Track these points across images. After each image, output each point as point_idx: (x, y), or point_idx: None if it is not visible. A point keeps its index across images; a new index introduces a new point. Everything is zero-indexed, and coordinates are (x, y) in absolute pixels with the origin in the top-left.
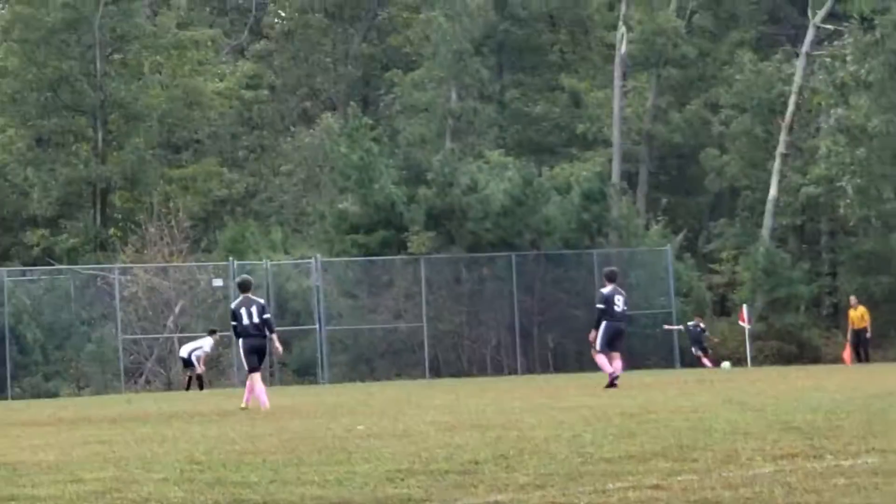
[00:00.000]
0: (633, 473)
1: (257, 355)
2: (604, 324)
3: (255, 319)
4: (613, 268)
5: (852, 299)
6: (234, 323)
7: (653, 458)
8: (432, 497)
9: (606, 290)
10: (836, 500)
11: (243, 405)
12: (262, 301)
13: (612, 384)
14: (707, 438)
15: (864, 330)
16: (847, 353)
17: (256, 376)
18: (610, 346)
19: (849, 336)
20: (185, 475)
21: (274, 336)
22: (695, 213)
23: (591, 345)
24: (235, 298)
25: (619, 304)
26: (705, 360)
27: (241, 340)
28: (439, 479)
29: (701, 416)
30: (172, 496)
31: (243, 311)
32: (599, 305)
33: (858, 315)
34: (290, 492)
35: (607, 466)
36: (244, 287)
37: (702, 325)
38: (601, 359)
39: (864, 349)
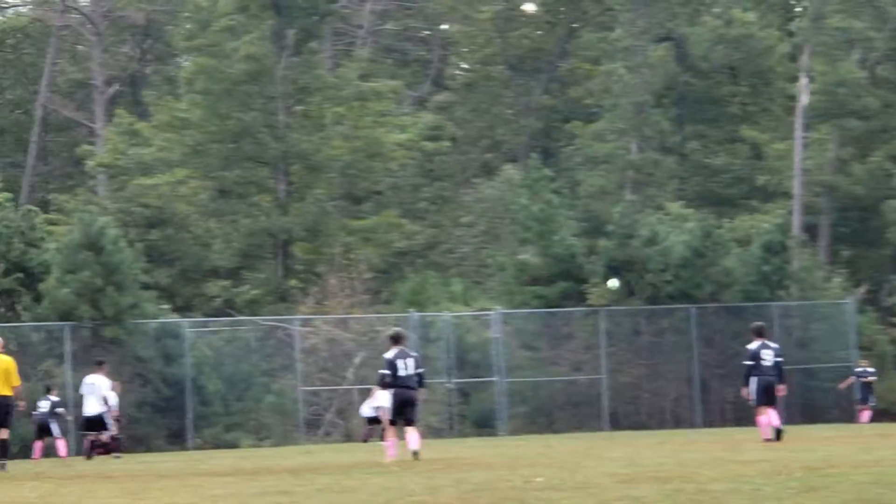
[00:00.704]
0: None
1: (407, 407)
2: (754, 379)
3: (411, 371)
4: (760, 323)
5: None
6: (387, 372)
7: None
8: None
9: (754, 345)
10: None
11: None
12: (416, 354)
13: (777, 437)
14: (891, 493)
15: None
16: None
17: (392, 429)
18: (764, 401)
19: None
20: None
21: (423, 390)
22: (877, 265)
23: (748, 401)
24: (389, 350)
25: (768, 358)
26: (863, 413)
27: (392, 391)
28: None
29: (883, 470)
30: None
31: (399, 362)
32: (747, 362)
33: None
34: None
35: None
36: (398, 339)
37: (869, 369)
38: (761, 417)
39: None
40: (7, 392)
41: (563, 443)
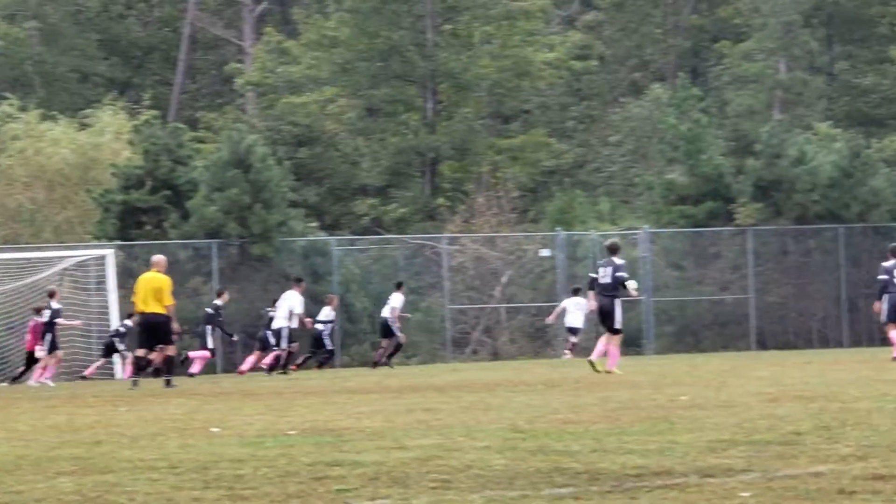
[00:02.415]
0: None
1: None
2: (886, 296)
3: (608, 280)
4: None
5: None
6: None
7: None
8: (753, 467)
9: (888, 263)
10: None
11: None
12: (620, 262)
13: None
14: None
15: None
16: None
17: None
18: (895, 317)
19: None
20: (507, 443)
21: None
22: None
23: (877, 316)
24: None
25: None
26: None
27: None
28: (761, 450)
29: None
30: (495, 464)
31: (601, 270)
32: (881, 277)
33: None
34: (612, 461)
35: None
36: (613, 250)
37: None
38: (892, 332)
39: None
40: (158, 310)
41: (709, 362)
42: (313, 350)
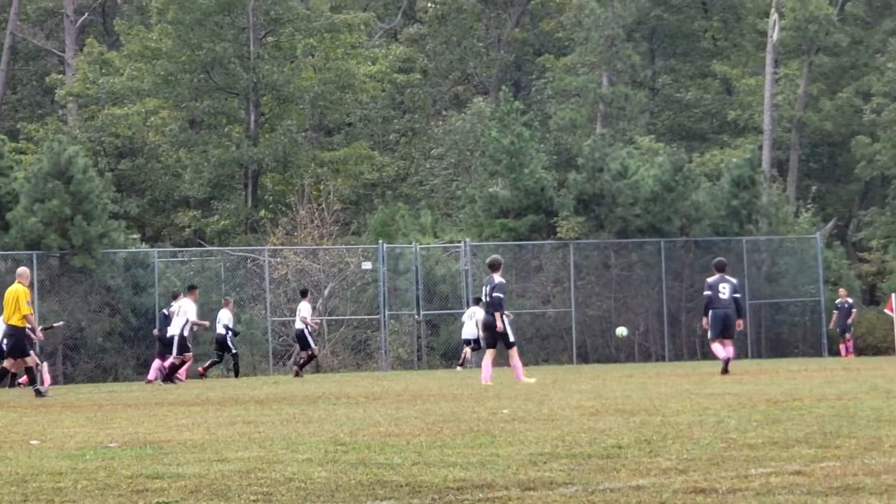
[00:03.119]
0: (775, 459)
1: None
2: (711, 311)
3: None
4: (721, 258)
5: None
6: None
7: (796, 444)
8: (574, 480)
9: (712, 278)
10: None
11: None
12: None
13: (725, 370)
14: (851, 426)
15: None
16: None
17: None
18: (721, 333)
19: None
20: (329, 456)
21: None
22: (845, 201)
23: (705, 330)
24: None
25: (725, 292)
26: (845, 344)
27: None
28: (582, 463)
29: (845, 404)
30: (316, 476)
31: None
32: (706, 293)
33: None
34: (434, 474)
35: (750, 452)
36: (492, 267)
37: (849, 300)
38: (715, 346)
39: None
40: (14, 321)
41: (531, 375)
42: (220, 354)
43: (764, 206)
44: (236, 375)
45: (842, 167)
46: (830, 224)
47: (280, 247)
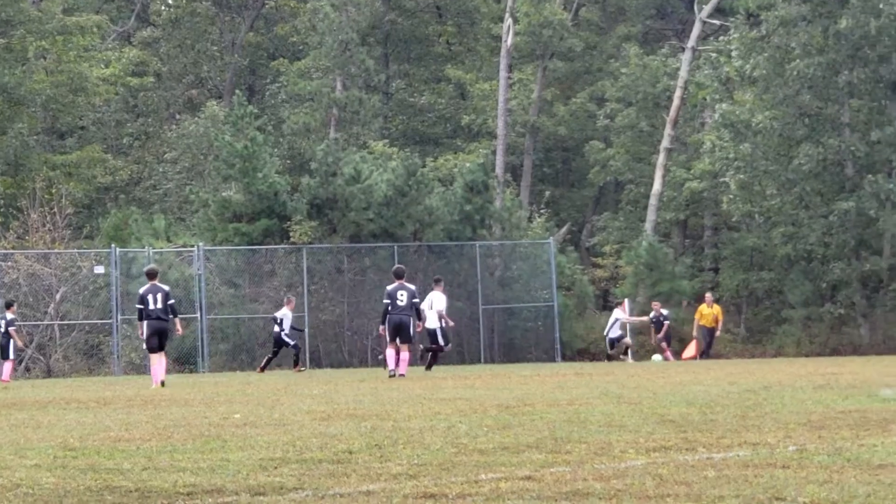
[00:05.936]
0: (506, 464)
1: (158, 338)
2: (388, 318)
3: (160, 305)
4: (401, 266)
5: (707, 296)
6: (140, 307)
7: (527, 449)
8: (305, 485)
9: (391, 286)
10: (705, 492)
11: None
12: (166, 288)
13: (393, 375)
14: (581, 431)
15: (715, 329)
16: (690, 349)
17: (155, 357)
18: (395, 337)
19: (695, 331)
20: (58, 461)
21: (177, 320)
22: (579, 206)
23: (382, 337)
24: (143, 285)
25: (403, 299)
26: (668, 354)
27: (145, 323)
28: (312, 468)
29: (577, 409)
30: (45, 482)
31: (150, 297)
32: (384, 301)
33: (712, 314)
34: (163, 479)
35: (481, 457)
36: (151, 275)
37: (663, 311)
38: (388, 352)
39: (708, 346)
40: None
41: (264, 380)
42: (276, 350)
43: (497, 210)
44: (295, 365)
45: (575, 172)
46: (564, 229)
47: (11, 251)
